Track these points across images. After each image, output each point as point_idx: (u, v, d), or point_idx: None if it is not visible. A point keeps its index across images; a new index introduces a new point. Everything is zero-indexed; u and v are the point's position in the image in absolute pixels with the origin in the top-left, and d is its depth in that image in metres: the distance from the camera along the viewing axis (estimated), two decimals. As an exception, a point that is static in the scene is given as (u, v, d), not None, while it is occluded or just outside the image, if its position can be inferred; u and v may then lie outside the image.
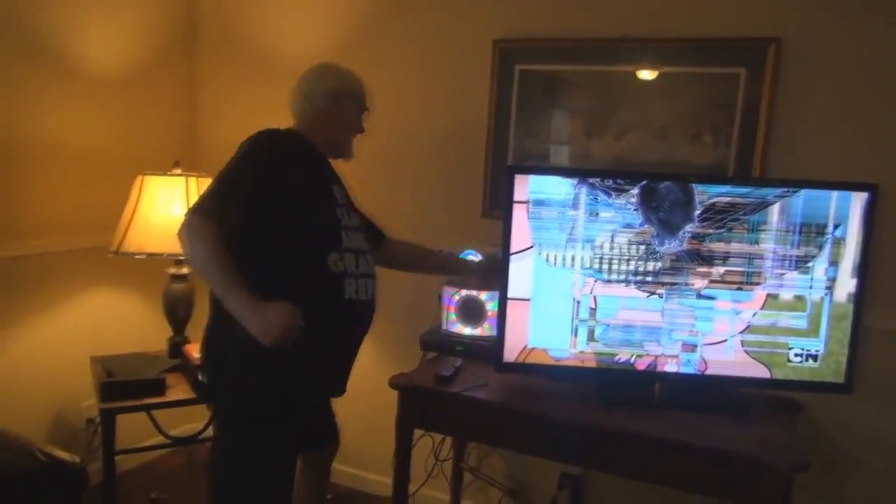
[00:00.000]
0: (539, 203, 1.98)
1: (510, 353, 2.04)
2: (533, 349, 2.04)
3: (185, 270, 2.52)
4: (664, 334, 2.01)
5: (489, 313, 2.31)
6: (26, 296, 2.49)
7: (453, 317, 2.36)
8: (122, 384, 2.24)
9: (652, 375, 2.04)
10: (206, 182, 2.45)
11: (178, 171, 2.47)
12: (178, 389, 2.33)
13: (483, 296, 2.31)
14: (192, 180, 2.42)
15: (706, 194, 1.94)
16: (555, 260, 2.00)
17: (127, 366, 2.37)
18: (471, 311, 2.34)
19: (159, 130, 2.93)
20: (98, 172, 2.65)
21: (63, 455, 1.69)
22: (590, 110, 2.34)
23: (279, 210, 1.70)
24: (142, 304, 2.87)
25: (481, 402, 2.01)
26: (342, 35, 2.72)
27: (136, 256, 2.34)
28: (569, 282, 2.00)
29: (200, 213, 1.63)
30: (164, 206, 2.38)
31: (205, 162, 2.89)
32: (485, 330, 2.31)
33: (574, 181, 1.96)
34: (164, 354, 2.54)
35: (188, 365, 2.36)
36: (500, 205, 2.47)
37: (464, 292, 2.33)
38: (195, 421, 2.86)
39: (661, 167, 2.24)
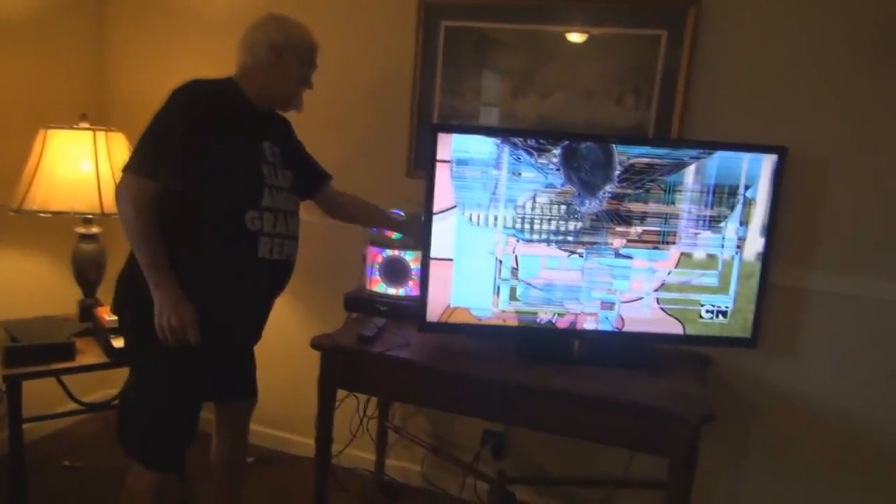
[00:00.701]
0: (462, 162, 1.97)
1: (433, 313, 2.05)
2: (455, 308, 2.05)
3: (94, 230, 2.40)
4: (583, 293, 2.06)
5: (413, 273, 2.31)
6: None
7: (377, 276, 2.35)
8: (28, 349, 2.12)
9: (571, 333, 2.09)
10: (117, 137, 2.36)
11: (86, 124, 2.33)
12: (90, 354, 2.23)
13: (407, 256, 2.30)
14: (101, 134, 2.29)
15: (625, 155, 1.97)
16: (477, 219, 2.00)
17: (34, 330, 2.26)
18: (395, 272, 2.33)
19: (64, 82, 2.74)
20: (-2, 125, 2.48)
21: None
22: (516, 69, 2.32)
23: (200, 164, 1.66)
24: (48, 266, 2.72)
25: (404, 362, 2.01)
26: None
27: (41, 214, 2.21)
28: (491, 241, 2.01)
29: (135, 171, 1.65)
30: (70, 162, 2.24)
31: (115, 116, 2.75)
32: (409, 290, 2.31)
33: (497, 140, 1.96)
34: (74, 318, 2.43)
35: (100, 328, 2.27)
36: (425, 164, 2.47)
37: (387, 252, 2.32)
38: (110, 387, 2.77)
39: (585, 128, 2.26)
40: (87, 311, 2.41)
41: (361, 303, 2.34)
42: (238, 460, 2.13)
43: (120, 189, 1.67)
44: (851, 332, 2.14)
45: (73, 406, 2.49)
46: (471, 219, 1.99)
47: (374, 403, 2.59)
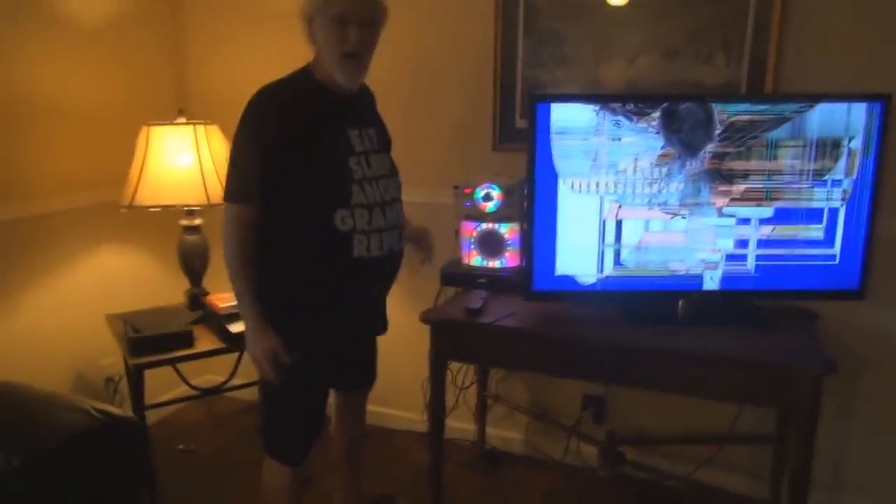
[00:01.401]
0: (562, 132, 1.98)
1: (538, 282, 2.08)
2: (561, 276, 2.08)
3: (197, 221, 2.48)
4: (687, 253, 2.07)
5: (509, 245, 2.35)
6: (34, 257, 2.44)
7: (473, 250, 2.40)
8: (151, 339, 2.23)
9: (676, 294, 2.11)
10: (213, 129, 2.42)
11: (183, 119, 2.40)
12: (205, 340, 2.33)
13: (502, 228, 2.34)
14: (200, 128, 2.36)
15: (725, 113, 1.97)
16: (579, 187, 2.02)
17: (150, 321, 2.36)
18: (491, 244, 2.37)
19: (153, 81, 2.83)
20: (96, 127, 2.57)
21: (115, 410, 1.70)
22: (598, 35, 2.32)
23: (284, 175, 1.66)
24: (152, 259, 2.83)
25: (514, 331, 2.06)
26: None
27: (151, 209, 2.30)
28: (594, 208, 2.03)
29: (231, 199, 1.70)
30: (172, 157, 2.33)
31: (203, 108, 2.81)
32: (504, 262, 2.35)
33: (596, 107, 1.97)
34: (183, 307, 2.53)
35: (213, 315, 2.36)
36: (510, 137, 2.50)
37: (483, 225, 2.36)
38: (213, 373, 2.88)
39: (673, 88, 2.26)
40: (195, 299, 2.50)
41: (459, 277, 2.39)
42: (357, 437, 2.21)
43: (223, 219, 1.69)
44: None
45: (181, 392, 2.61)
46: (573, 186, 2.02)
47: (470, 375, 2.65)
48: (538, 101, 1.98)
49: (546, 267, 2.08)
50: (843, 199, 2.01)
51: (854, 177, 1.99)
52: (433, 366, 2.16)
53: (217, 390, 2.61)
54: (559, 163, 2.00)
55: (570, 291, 2.10)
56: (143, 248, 2.80)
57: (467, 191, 2.35)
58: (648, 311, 2.11)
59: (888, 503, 2.31)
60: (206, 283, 2.56)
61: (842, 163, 1.99)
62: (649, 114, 1.97)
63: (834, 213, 2.02)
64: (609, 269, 2.08)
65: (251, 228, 1.68)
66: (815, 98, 1.97)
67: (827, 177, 2.00)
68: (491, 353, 2.15)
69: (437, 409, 2.22)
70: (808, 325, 2.09)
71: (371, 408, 2.91)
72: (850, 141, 1.98)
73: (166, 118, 2.43)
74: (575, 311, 2.15)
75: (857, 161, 1.99)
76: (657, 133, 1.98)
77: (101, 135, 2.57)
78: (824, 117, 1.96)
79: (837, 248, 2.05)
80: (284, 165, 1.66)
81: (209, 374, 2.91)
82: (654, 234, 2.06)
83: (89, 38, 2.54)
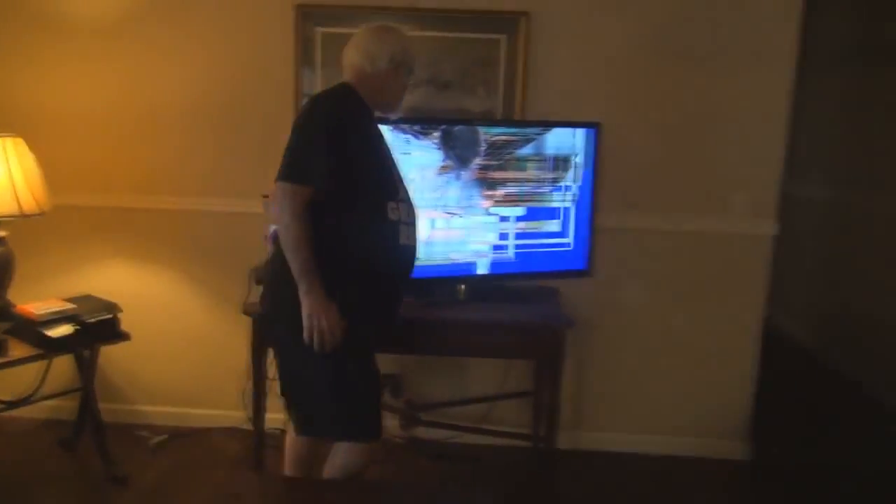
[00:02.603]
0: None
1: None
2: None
3: (2, 233, 2.47)
4: (464, 245, 2.58)
5: (316, 246, 2.69)
6: None
7: (282, 252, 2.69)
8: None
9: (457, 279, 2.60)
10: (20, 142, 2.45)
11: (-15, 131, 2.40)
12: (19, 349, 2.34)
13: (309, 231, 2.67)
14: (9, 140, 2.38)
15: (488, 134, 2.52)
16: (378, 193, 2.42)
17: (-48, 334, 2.31)
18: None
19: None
20: None
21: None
22: (385, 68, 2.77)
23: (347, 164, 1.85)
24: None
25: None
26: (137, -6, 2.79)
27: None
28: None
29: (289, 179, 1.82)
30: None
31: (8, 124, 2.76)
32: (312, 260, 2.69)
33: (390, 127, 2.40)
34: (-15, 320, 2.49)
35: (26, 323, 2.37)
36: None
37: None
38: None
39: (447, 114, 2.77)
40: (3, 311, 2.47)
41: (272, 276, 2.67)
42: None
43: (279, 198, 1.82)
44: (647, 258, 2.89)
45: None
46: None
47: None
48: None
49: None
50: (572, 200, 2.66)
51: (579, 183, 2.65)
52: (254, 353, 2.43)
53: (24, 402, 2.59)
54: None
55: None
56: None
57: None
58: (438, 293, 2.57)
59: (617, 436, 3.02)
60: (13, 295, 2.55)
61: (571, 173, 2.64)
62: (431, 133, 2.46)
63: (567, 211, 2.66)
64: None
65: (306, 207, 1.81)
66: (550, 124, 2.60)
67: (561, 183, 2.63)
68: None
69: (258, 395, 2.47)
70: (552, 298, 2.71)
71: (175, 409, 3.07)
72: (575, 156, 2.63)
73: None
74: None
75: (580, 171, 2.65)
76: (438, 149, 2.47)
77: None
78: (557, 139, 2.60)
79: (571, 238, 2.69)
80: (349, 154, 1.86)
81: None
82: (439, 231, 2.54)
83: None
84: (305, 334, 1.82)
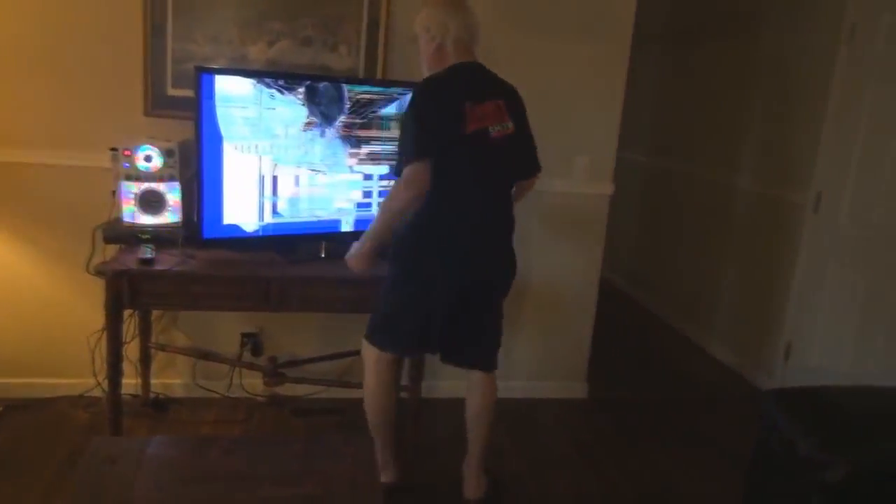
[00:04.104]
0: (226, 101, 2.32)
1: (207, 231, 2.39)
2: (227, 225, 2.43)
3: None
4: (328, 203, 2.60)
5: (171, 203, 2.58)
6: None
7: (133, 210, 2.56)
8: None
9: (321, 237, 2.62)
10: None
11: None
12: None
13: (162, 187, 2.55)
14: None
15: (353, 92, 2.54)
16: (242, 148, 2.38)
17: None
18: (152, 203, 2.56)
19: None
20: None
21: None
22: (244, 18, 2.68)
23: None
24: None
25: (189, 274, 2.34)
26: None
27: None
28: (254, 166, 2.42)
29: (414, 156, 2.05)
30: None
31: None
32: (167, 218, 2.58)
33: (254, 81, 2.35)
34: None
35: None
36: (161, 104, 2.71)
37: (143, 185, 2.54)
38: None
39: (308, 70, 2.74)
40: None
41: (123, 234, 2.53)
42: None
43: (400, 181, 2.09)
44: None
45: None
46: (236, 147, 2.37)
47: (131, 330, 2.78)
48: (204, 73, 2.28)
49: (214, 218, 2.40)
50: (434, 160, 2.75)
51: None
52: (111, 316, 2.31)
53: None
54: (224, 127, 2.33)
55: (236, 238, 2.46)
56: None
57: (126, 153, 2.51)
58: (301, 250, 2.59)
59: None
60: None
61: (432, 133, 2.72)
62: (296, 89, 2.43)
63: (428, 170, 2.75)
64: (269, 217, 2.50)
65: (423, 182, 2.04)
66: (411, 84, 2.65)
67: (423, 143, 2.71)
68: (169, 297, 2.39)
69: (114, 359, 2.36)
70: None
71: (13, 380, 2.84)
72: (436, 117, 2.72)
73: None
74: (240, 256, 2.51)
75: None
76: (303, 105, 2.46)
77: None
78: (419, 99, 2.66)
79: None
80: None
81: None
82: (303, 188, 2.54)
83: None
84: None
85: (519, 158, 2.31)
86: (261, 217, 2.49)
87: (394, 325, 2.27)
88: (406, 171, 2.07)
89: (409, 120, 2.13)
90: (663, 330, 4.46)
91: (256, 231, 2.49)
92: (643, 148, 4.92)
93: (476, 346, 2.35)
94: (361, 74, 2.80)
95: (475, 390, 2.39)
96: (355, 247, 2.27)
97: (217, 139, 2.33)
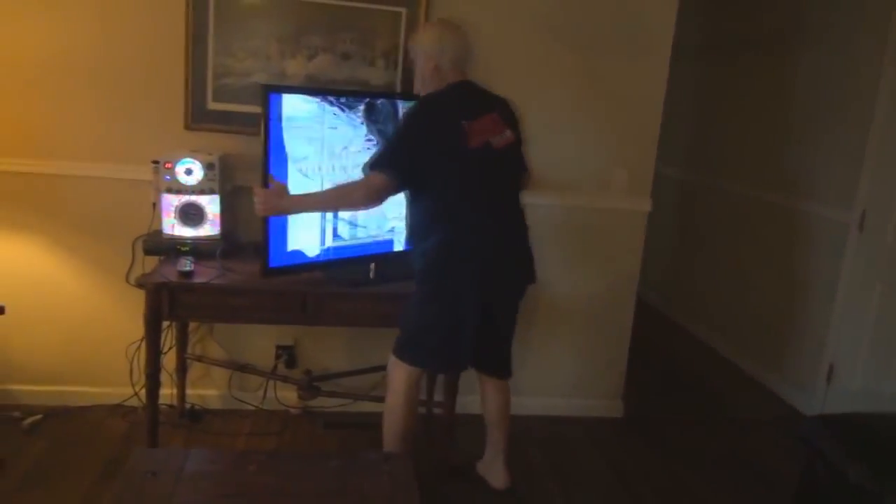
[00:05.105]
0: (291, 119, 2.26)
1: (273, 260, 2.31)
2: (292, 251, 2.37)
3: None
4: (383, 222, 2.57)
5: (210, 216, 2.60)
6: None
7: (173, 222, 2.59)
8: None
9: (373, 258, 2.55)
10: None
11: None
12: None
13: (202, 199, 2.58)
14: None
15: (406, 108, 2.51)
16: (307, 169, 2.34)
17: None
18: (191, 215, 2.59)
19: None
20: None
21: None
22: (284, 33, 2.70)
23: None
24: None
25: (228, 287, 2.34)
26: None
27: None
28: (318, 188, 2.33)
29: (383, 169, 2.11)
30: None
31: None
32: (206, 230, 2.60)
33: (318, 99, 2.32)
34: None
35: None
36: (202, 118, 2.74)
37: (183, 198, 2.57)
38: None
39: (347, 86, 2.75)
40: None
41: (163, 246, 2.56)
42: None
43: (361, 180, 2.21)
44: (544, 229, 3.04)
45: None
46: (301, 169, 2.32)
47: (169, 339, 2.80)
48: (270, 92, 2.21)
49: (279, 245, 2.33)
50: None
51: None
52: (151, 328, 2.33)
53: None
54: (290, 148, 2.27)
55: (300, 265, 2.40)
56: None
57: (168, 165, 2.54)
58: (360, 273, 2.50)
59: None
60: None
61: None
62: (357, 107, 2.41)
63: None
64: (329, 241, 2.45)
65: (380, 195, 2.13)
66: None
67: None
68: (207, 309, 2.39)
69: (152, 370, 2.38)
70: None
71: (48, 388, 2.87)
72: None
73: None
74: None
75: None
76: (362, 123, 2.44)
77: None
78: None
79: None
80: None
81: None
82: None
83: None
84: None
85: (520, 164, 2.40)
86: (322, 241, 2.45)
87: (425, 341, 2.26)
88: (371, 176, 2.14)
89: (399, 130, 2.29)
90: (698, 348, 4.39)
91: (318, 256, 2.44)
92: (679, 163, 4.86)
93: (499, 355, 2.45)
94: (399, 89, 2.80)
95: (494, 391, 2.50)
96: (273, 198, 2.17)
97: (283, 160, 2.28)
